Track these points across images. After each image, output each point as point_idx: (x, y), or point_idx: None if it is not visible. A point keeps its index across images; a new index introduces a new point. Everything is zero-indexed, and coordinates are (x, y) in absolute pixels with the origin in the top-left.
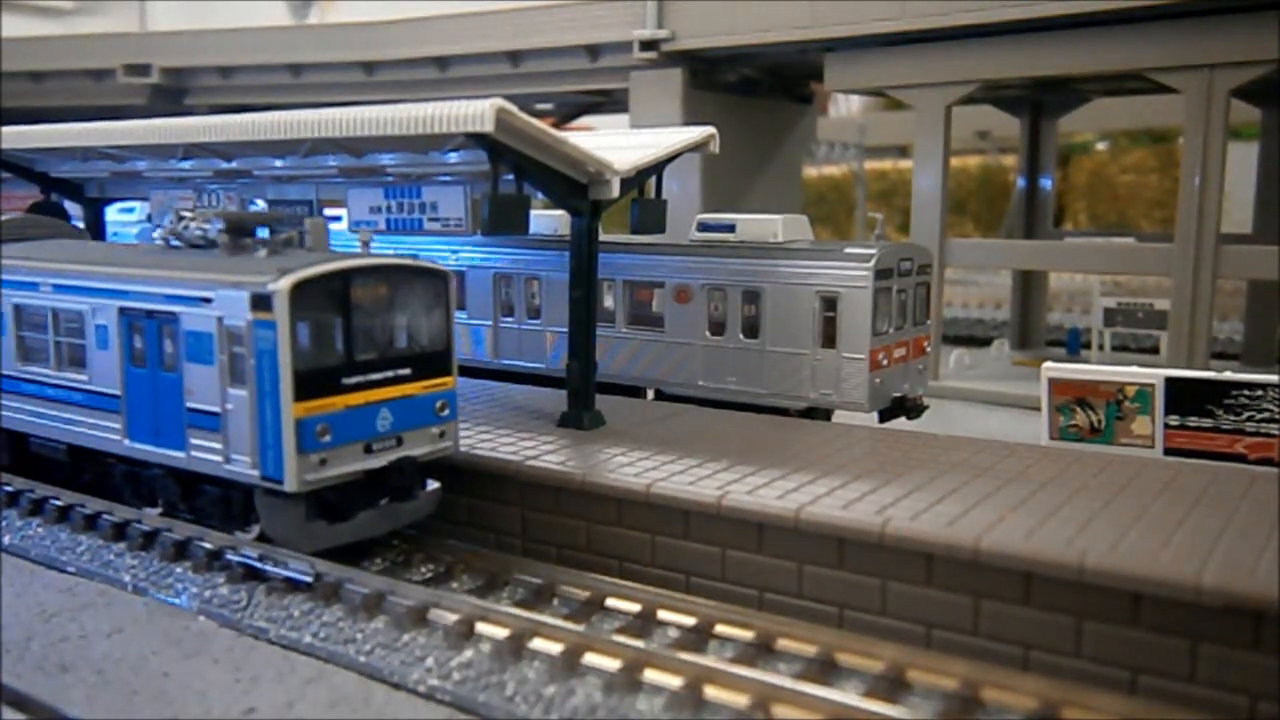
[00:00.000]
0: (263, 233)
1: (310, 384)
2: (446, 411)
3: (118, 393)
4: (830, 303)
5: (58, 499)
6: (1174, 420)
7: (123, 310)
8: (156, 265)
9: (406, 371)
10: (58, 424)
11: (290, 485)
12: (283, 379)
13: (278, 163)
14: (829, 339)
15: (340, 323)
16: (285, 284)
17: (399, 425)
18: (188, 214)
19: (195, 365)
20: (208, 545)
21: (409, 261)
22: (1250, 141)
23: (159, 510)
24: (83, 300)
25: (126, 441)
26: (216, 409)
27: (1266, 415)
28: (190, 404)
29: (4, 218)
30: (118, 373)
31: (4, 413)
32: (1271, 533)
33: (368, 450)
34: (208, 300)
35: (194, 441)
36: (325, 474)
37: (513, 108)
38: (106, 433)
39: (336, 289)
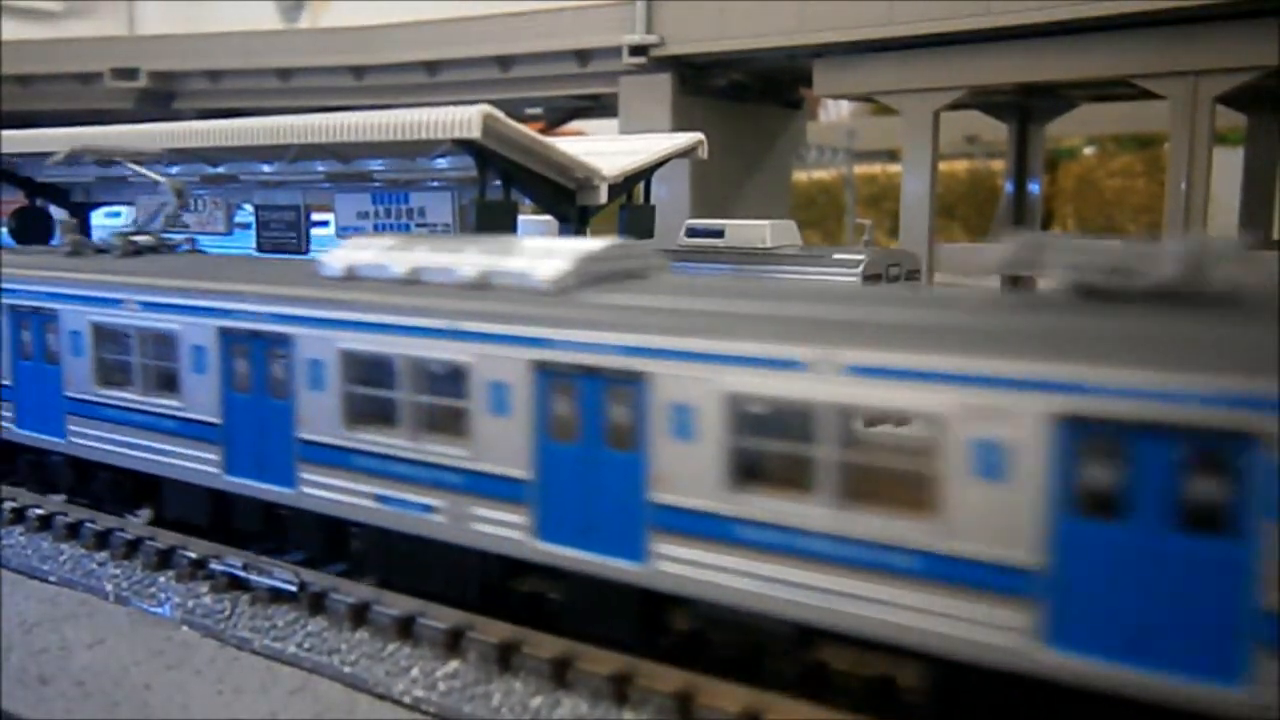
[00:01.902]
0: None
1: None
2: None
3: (1043, 567)
4: None
5: (39, 508)
6: None
7: (1076, 423)
8: (1129, 346)
9: None
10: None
11: None
12: None
13: (265, 168)
14: None
15: None
16: None
17: None
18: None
19: None
20: (191, 554)
21: None
22: (1236, 147)
23: None
24: (945, 396)
25: (1052, 655)
26: None
27: None
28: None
29: (592, 247)
30: (1046, 531)
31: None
32: None
33: None
34: None
35: None
36: None
37: (500, 114)
38: (992, 633)
39: None
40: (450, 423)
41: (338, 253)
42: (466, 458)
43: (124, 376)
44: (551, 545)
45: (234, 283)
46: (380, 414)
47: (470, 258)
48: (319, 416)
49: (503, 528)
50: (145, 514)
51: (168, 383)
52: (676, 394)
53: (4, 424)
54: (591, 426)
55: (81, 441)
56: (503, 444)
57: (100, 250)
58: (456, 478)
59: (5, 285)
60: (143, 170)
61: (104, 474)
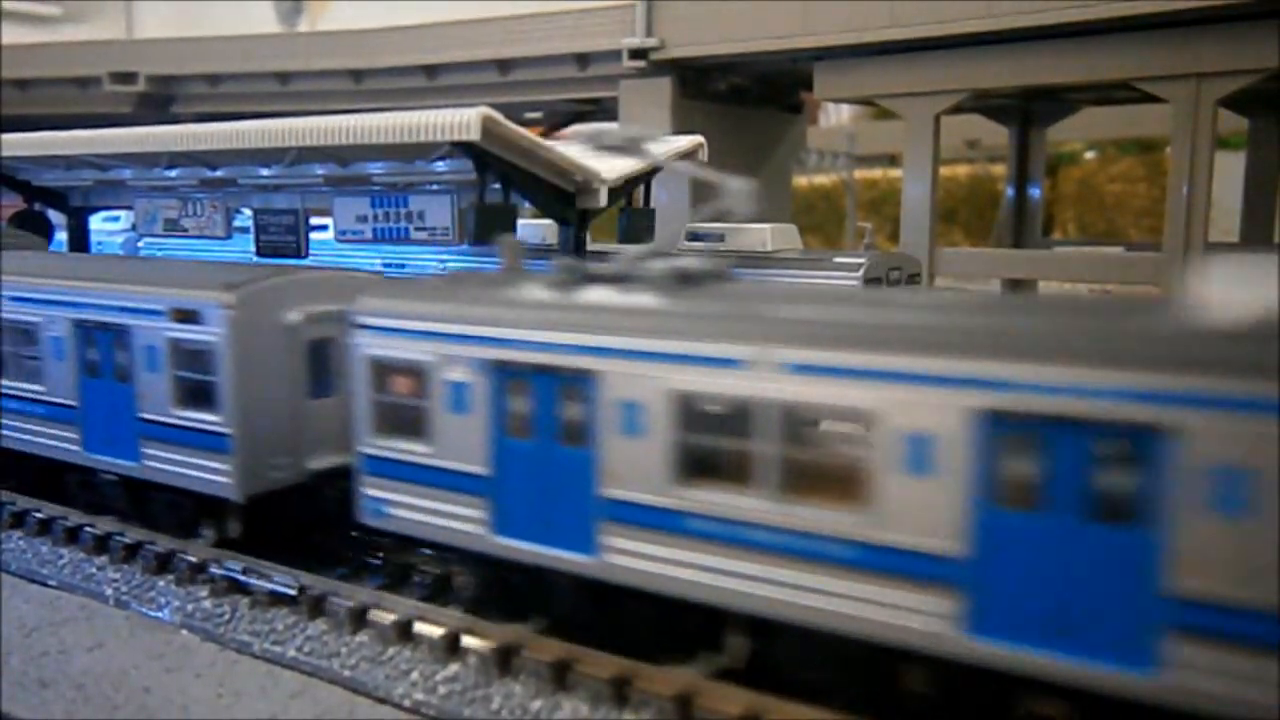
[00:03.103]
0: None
1: None
2: None
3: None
4: None
5: (39, 511)
6: None
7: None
8: None
9: None
10: None
11: None
12: None
13: (264, 171)
14: None
15: None
16: None
17: None
18: None
19: None
20: (191, 558)
21: None
22: (1238, 151)
23: None
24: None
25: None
26: None
27: None
28: None
29: None
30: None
31: None
32: None
33: None
34: None
35: None
36: None
37: (499, 116)
38: (469, 525)
39: None
40: None
41: (1221, 292)
42: None
43: (736, 475)
44: None
45: (992, 335)
46: None
47: None
48: (1224, 559)
49: None
50: (702, 666)
51: (838, 489)
52: None
53: (470, 527)
54: None
55: (631, 565)
56: None
57: (609, 279)
58: None
59: (487, 334)
60: (705, 173)
61: (647, 609)
